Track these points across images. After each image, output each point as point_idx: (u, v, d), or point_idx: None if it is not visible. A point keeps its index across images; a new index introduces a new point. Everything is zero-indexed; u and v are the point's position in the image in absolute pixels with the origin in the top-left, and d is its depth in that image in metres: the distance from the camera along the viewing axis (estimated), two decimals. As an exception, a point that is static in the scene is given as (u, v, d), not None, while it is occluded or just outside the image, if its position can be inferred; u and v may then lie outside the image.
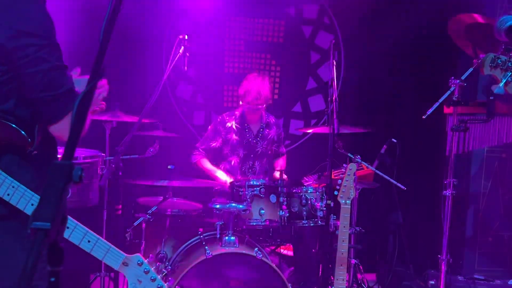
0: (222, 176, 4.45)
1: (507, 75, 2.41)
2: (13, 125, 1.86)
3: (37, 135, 1.92)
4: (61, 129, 1.92)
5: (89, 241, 1.85)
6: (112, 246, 1.86)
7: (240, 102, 4.53)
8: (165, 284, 1.91)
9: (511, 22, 2.56)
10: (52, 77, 1.87)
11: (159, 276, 1.90)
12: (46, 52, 1.86)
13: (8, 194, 1.82)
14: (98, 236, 1.86)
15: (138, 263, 1.88)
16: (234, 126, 4.59)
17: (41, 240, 0.88)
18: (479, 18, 3.70)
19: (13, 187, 1.83)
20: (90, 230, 1.86)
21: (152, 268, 1.90)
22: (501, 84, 2.42)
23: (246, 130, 4.59)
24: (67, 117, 1.89)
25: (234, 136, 4.57)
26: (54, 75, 1.87)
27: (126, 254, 1.87)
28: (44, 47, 1.85)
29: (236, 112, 4.64)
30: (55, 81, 1.87)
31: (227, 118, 4.62)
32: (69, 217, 1.78)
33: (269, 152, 4.68)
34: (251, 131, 4.61)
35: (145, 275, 1.88)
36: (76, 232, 1.84)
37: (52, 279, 0.94)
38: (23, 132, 1.87)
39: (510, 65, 2.41)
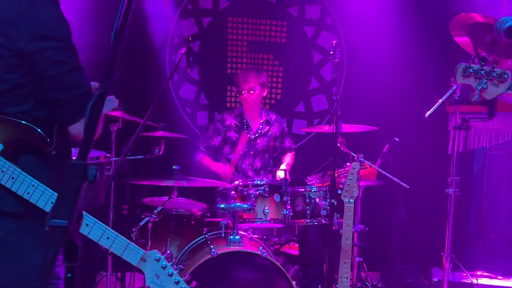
0: (222, 167, 4.54)
1: (482, 82, 2.48)
2: (33, 126, 1.89)
3: (55, 136, 1.96)
4: (79, 129, 1.95)
5: (108, 238, 1.88)
6: (131, 242, 1.89)
7: (238, 95, 4.58)
8: (182, 279, 1.95)
9: (511, 22, 2.59)
10: (70, 79, 1.91)
11: (176, 271, 1.93)
12: (63, 54, 1.90)
13: (28, 193, 1.86)
14: (116, 233, 1.90)
15: (156, 259, 1.91)
16: (233, 124, 4.64)
17: (59, 237, 0.92)
18: (479, 17, 3.72)
19: (33, 185, 1.86)
20: (108, 227, 1.89)
21: (170, 264, 1.93)
22: (477, 92, 2.50)
23: (245, 127, 4.64)
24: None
25: (233, 134, 4.62)
26: (72, 77, 1.92)
27: (144, 250, 1.91)
28: (61, 50, 1.90)
29: (236, 111, 4.70)
30: (73, 82, 1.92)
31: (227, 116, 4.68)
32: (87, 214, 1.86)
33: (271, 148, 4.71)
34: (250, 128, 4.65)
35: (163, 270, 1.91)
36: (95, 229, 1.87)
37: (69, 275, 0.97)
38: (42, 133, 1.90)
39: (483, 73, 2.48)
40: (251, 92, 4.50)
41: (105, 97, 1.12)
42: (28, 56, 1.87)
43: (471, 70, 2.51)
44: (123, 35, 1.16)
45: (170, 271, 1.92)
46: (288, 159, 4.82)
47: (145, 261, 1.90)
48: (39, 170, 1.92)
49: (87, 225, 1.86)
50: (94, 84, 2.08)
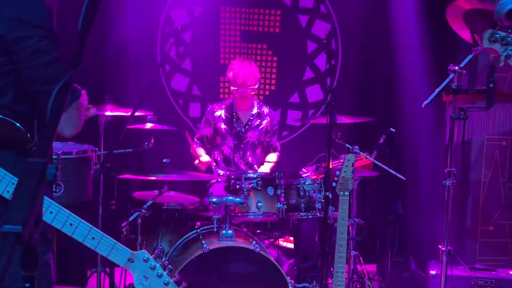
0: (203, 158, 4.46)
1: (508, 48, 2.52)
2: (12, 120, 1.80)
3: (36, 131, 1.87)
4: (63, 122, 1.85)
5: (93, 238, 1.79)
6: (117, 242, 1.81)
7: (232, 88, 4.47)
8: (171, 280, 1.86)
9: (511, 5, 2.54)
10: (53, 70, 1.82)
11: (165, 272, 1.85)
12: (46, 43, 1.81)
13: (8, 191, 1.77)
14: (102, 233, 1.81)
15: (144, 259, 1.82)
16: (222, 115, 4.54)
17: (12, 244, 0.82)
18: (476, 3, 3.63)
19: (13, 184, 1.78)
20: (94, 227, 1.81)
21: (159, 264, 1.85)
22: (502, 58, 2.53)
23: (234, 119, 4.53)
24: (71, 109, 1.87)
25: (222, 125, 4.52)
26: (55, 67, 1.82)
27: (131, 251, 1.82)
28: (44, 38, 1.81)
29: (227, 101, 4.60)
30: (56, 73, 1.82)
31: (217, 107, 4.58)
32: (72, 214, 1.75)
33: (263, 143, 4.61)
34: (240, 120, 4.55)
35: (152, 271, 1.83)
36: (80, 229, 1.78)
37: (27, 285, 0.88)
38: (22, 128, 1.81)
39: (510, 40, 2.50)
40: (244, 87, 4.39)
41: (70, 86, 1.02)
42: (9, 44, 1.77)
43: (497, 36, 2.57)
44: (91, 20, 1.07)
45: (159, 272, 1.83)
46: (272, 158, 4.60)
47: (132, 262, 1.81)
48: (19, 167, 1.83)
49: (71, 224, 1.77)
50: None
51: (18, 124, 1.80)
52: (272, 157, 4.62)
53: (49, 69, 1.81)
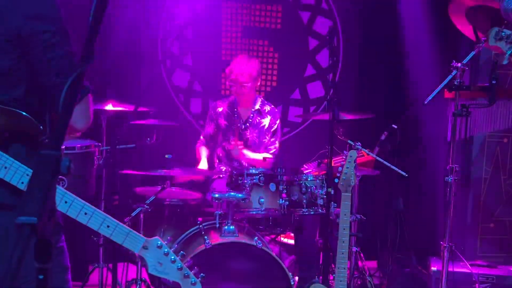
0: (202, 166, 4.43)
1: None
2: (24, 113, 1.80)
3: (48, 124, 1.89)
4: (75, 116, 1.86)
5: (108, 226, 1.82)
6: (132, 230, 1.84)
7: (227, 83, 4.47)
8: (185, 265, 1.92)
9: None
10: (67, 63, 1.84)
11: (178, 257, 1.90)
12: (59, 38, 1.82)
13: (23, 183, 1.78)
14: (117, 221, 1.83)
15: (157, 246, 1.86)
16: (224, 111, 4.53)
17: (27, 236, 0.83)
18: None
19: (27, 175, 1.79)
20: (108, 216, 1.83)
21: (172, 250, 1.90)
22: (507, 56, 2.54)
23: (235, 115, 4.52)
24: (82, 102, 1.88)
25: (223, 121, 4.52)
26: (68, 61, 1.84)
27: (146, 238, 1.86)
28: (57, 33, 1.82)
29: (230, 97, 4.59)
30: (69, 66, 1.84)
31: (219, 103, 4.58)
32: (86, 203, 1.79)
33: (264, 143, 4.55)
34: (240, 116, 4.54)
35: (165, 257, 1.88)
36: (95, 218, 1.80)
37: (41, 277, 0.88)
38: (34, 121, 1.81)
39: None
40: (243, 86, 4.37)
41: (82, 79, 1.02)
42: (24, 40, 1.79)
43: (503, 34, 2.62)
44: (102, 13, 1.07)
45: (173, 257, 1.88)
46: (265, 155, 4.45)
47: (147, 248, 1.86)
48: (31, 160, 1.83)
49: (85, 213, 1.80)
50: None
51: (30, 117, 1.81)
52: (264, 155, 4.50)
53: (62, 62, 1.82)
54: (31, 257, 0.88)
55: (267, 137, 4.55)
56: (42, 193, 0.86)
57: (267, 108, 4.59)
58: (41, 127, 1.84)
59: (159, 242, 1.87)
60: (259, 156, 4.43)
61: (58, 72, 1.82)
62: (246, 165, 4.46)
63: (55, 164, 0.89)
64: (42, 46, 1.80)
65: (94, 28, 1.06)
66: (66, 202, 1.79)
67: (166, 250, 1.87)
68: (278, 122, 4.58)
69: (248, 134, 4.51)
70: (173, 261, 1.88)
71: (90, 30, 1.06)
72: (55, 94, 1.85)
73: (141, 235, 1.86)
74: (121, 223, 1.84)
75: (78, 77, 1.01)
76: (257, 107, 4.54)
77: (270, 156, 4.47)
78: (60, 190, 1.77)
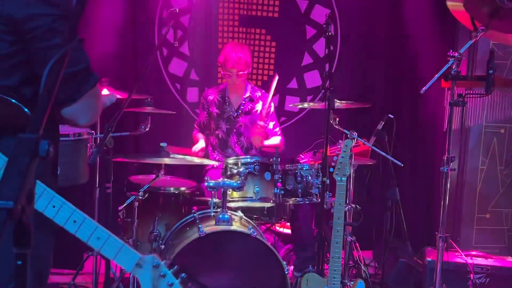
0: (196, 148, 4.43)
1: None
2: (16, 102, 1.64)
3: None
4: (75, 111, 1.73)
5: (98, 238, 1.61)
6: (125, 244, 1.63)
7: (222, 72, 4.44)
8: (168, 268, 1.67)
9: None
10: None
11: (177, 280, 1.66)
12: (62, 24, 1.65)
13: None
14: (109, 232, 1.63)
15: (154, 266, 1.63)
16: (215, 99, 4.52)
17: (3, 221, 0.81)
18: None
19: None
20: (100, 225, 1.62)
21: (170, 271, 1.66)
22: None
23: (226, 103, 4.51)
24: (84, 98, 1.71)
25: (214, 109, 4.50)
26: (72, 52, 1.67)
27: (140, 254, 1.63)
28: (59, 18, 1.64)
29: (221, 86, 4.58)
30: (70, 57, 1.63)
31: (210, 91, 4.58)
32: (77, 209, 1.58)
33: (256, 127, 4.53)
34: (231, 104, 4.52)
35: (162, 279, 1.64)
36: (84, 228, 1.60)
37: (19, 262, 0.87)
38: (27, 111, 1.64)
39: None
40: (240, 74, 4.36)
41: (65, 61, 1.00)
42: (19, 23, 1.62)
43: None
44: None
45: (171, 280, 1.64)
46: (275, 140, 4.55)
47: (141, 267, 1.62)
48: None
49: (75, 221, 1.59)
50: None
51: (19, 104, 1.65)
52: (275, 139, 4.56)
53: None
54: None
55: (268, 122, 4.54)
56: (20, 177, 0.84)
57: (258, 93, 4.59)
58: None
59: (156, 261, 1.63)
60: (276, 140, 4.49)
61: None
62: (239, 152, 4.45)
63: (33, 147, 0.87)
64: (39, 31, 1.63)
65: (79, 7, 1.04)
66: (54, 206, 1.59)
67: (163, 271, 1.64)
68: (272, 104, 4.59)
69: (240, 121, 4.49)
70: (171, 285, 1.64)
71: (76, 9, 1.04)
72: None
73: (136, 251, 1.64)
74: (113, 235, 1.63)
75: (61, 58, 0.98)
76: (248, 94, 4.53)
77: (279, 138, 4.55)
78: (49, 192, 1.60)
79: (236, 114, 4.50)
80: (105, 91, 3.76)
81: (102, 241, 1.60)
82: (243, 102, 4.53)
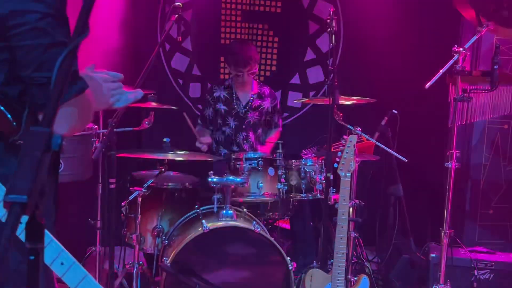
0: (204, 138, 4.44)
1: None
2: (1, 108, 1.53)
3: (24, 122, 1.55)
4: (57, 117, 1.59)
5: (62, 264, 1.45)
6: (89, 274, 1.47)
7: (229, 69, 4.44)
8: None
9: None
10: (52, 55, 1.50)
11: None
12: (49, 22, 1.50)
13: None
14: (74, 259, 1.47)
15: None
16: (222, 96, 4.50)
17: (16, 215, 0.80)
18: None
19: None
20: (89, 274, 1.47)
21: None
22: None
23: (234, 100, 4.50)
24: (68, 104, 1.50)
25: (222, 106, 4.49)
26: (56, 52, 1.50)
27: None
28: (47, 17, 1.50)
29: (226, 82, 4.56)
30: (52, 60, 1.39)
31: (216, 87, 4.55)
32: (64, 249, 1.42)
33: (263, 122, 4.56)
34: (239, 101, 4.51)
35: None
36: (72, 273, 1.46)
37: (31, 257, 0.86)
38: (8, 115, 1.53)
39: None
40: (243, 72, 4.35)
41: (76, 53, 0.98)
42: (2, 19, 1.49)
43: None
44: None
45: None
46: (271, 135, 4.65)
47: None
48: (7, 160, 1.56)
49: (62, 264, 1.44)
50: (104, 77, 1.74)
51: (4, 110, 1.53)
52: (273, 135, 4.59)
53: (48, 53, 1.50)
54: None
55: (275, 118, 4.65)
56: (33, 171, 0.83)
57: (267, 90, 4.59)
58: (15, 123, 1.54)
59: None
60: (274, 139, 4.55)
61: (40, 64, 1.50)
62: (246, 149, 4.45)
63: (46, 141, 0.86)
64: (24, 29, 1.49)
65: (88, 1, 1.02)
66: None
67: None
68: (278, 102, 4.68)
69: (249, 117, 4.49)
70: None
71: (85, 2, 1.02)
72: (34, 92, 1.54)
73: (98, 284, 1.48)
74: (78, 262, 1.48)
75: (72, 50, 0.96)
76: (256, 90, 4.53)
77: (275, 132, 4.65)
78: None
79: (244, 110, 4.50)
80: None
81: (65, 267, 1.46)
82: (251, 98, 4.52)
